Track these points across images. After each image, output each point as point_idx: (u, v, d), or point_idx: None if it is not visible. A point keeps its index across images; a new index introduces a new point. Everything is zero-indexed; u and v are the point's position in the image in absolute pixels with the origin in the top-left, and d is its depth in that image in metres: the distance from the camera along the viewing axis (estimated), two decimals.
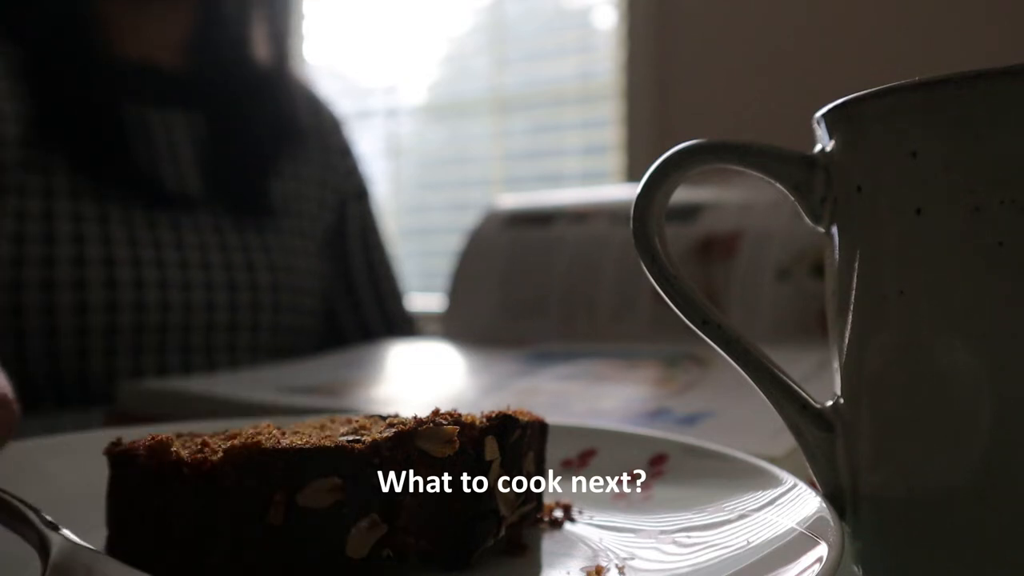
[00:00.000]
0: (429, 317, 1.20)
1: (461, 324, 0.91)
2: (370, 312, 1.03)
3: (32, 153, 0.78)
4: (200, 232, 0.84)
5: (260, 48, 0.94)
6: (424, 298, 2.71)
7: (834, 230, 0.27)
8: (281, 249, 0.90)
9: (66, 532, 0.24)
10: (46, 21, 0.82)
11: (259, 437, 0.27)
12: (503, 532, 0.29)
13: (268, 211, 0.90)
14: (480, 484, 0.28)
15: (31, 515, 0.24)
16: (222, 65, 0.91)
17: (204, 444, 0.27)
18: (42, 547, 0.23)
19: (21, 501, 0.25)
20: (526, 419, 0.31)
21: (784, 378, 0.28)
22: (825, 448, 0.28)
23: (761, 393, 0.29)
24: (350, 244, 1.03)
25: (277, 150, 0.93)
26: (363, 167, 1.08)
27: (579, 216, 0.91)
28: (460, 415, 0.29)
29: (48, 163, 0.78)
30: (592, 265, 0.84)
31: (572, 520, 0.33)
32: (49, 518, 0.24)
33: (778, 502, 0.29)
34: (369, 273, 1.04)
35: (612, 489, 0.35)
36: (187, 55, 0.91)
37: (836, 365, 0.27)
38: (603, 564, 0.28)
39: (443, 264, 3.08)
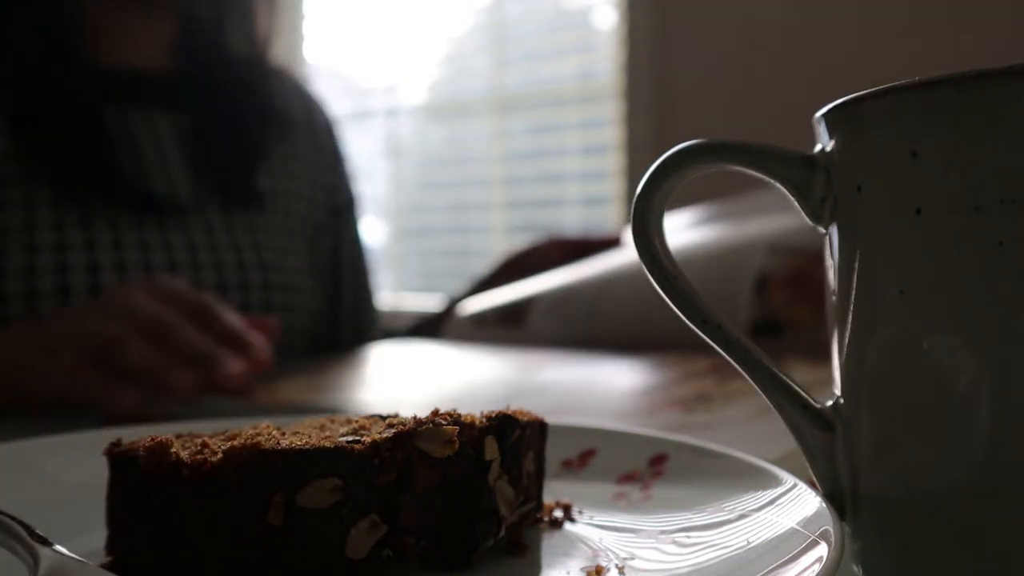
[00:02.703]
0: (429, 316, 1.19)
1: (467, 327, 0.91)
2: (346, 322, 1.03)
3: (8, 167, 0.78)
4: (189, 233, 0.84)
5: (242, 42, 0.94)
6: (424, 298, 2.72)
7: (834, 230, 0.27)
8: (271, 248, 0.90)
9: (58, 547, 0.24)
10: (29, 32, 0.82)
11: (259, 437, 0.27)
12: (503, 532, 0.29)
13: (257, 200, 0.89)
14: (480, 484, 0.28)
15: (21, 531, 0.24)
16: (205, 64, 0.91)
17: (204, 444, 0.27)
18: (34, 563, 0.23)
19: (11, 517, 0.25)
20: (526, 419, 0.31)
21: (784, 378, 0.28)
22: (825, 448, 0.28)
23: (761, 393, 0.29)
24: (343, 257, 1.03)
25: (263, 138, 0.93)
26: (354, 175, 1.08)
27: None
28: (460, 415, 0.29)
29: (27, 174, 0.78)
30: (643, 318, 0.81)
31: (572, 520, 0.33)
32: (40, 532, 0.24)
33: (778, 502, 0.29)
34: (354, 285, 1.04)
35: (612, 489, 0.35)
36: (170, 57, 0.91)
37: (836, 365, 0.27)
38: (603, 564, 0.28)
39: (443, 264, 3.07)
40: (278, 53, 1.02)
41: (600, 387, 0.62)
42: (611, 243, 1.01)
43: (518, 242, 2.58)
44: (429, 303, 2.56)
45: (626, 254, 0.88)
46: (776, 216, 0.78)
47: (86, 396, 0.58)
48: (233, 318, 0.63)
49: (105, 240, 0.79)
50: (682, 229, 0.90)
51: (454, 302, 1.02)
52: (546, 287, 0.86)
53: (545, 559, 0.30)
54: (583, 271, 0.87)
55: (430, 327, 0.99)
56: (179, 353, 0.59)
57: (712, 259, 0.77)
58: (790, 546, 0.26)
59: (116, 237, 0.79)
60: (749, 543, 0.27)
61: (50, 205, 0.78)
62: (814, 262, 0.68)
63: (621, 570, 0.27)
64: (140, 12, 0.88)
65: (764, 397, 0.29)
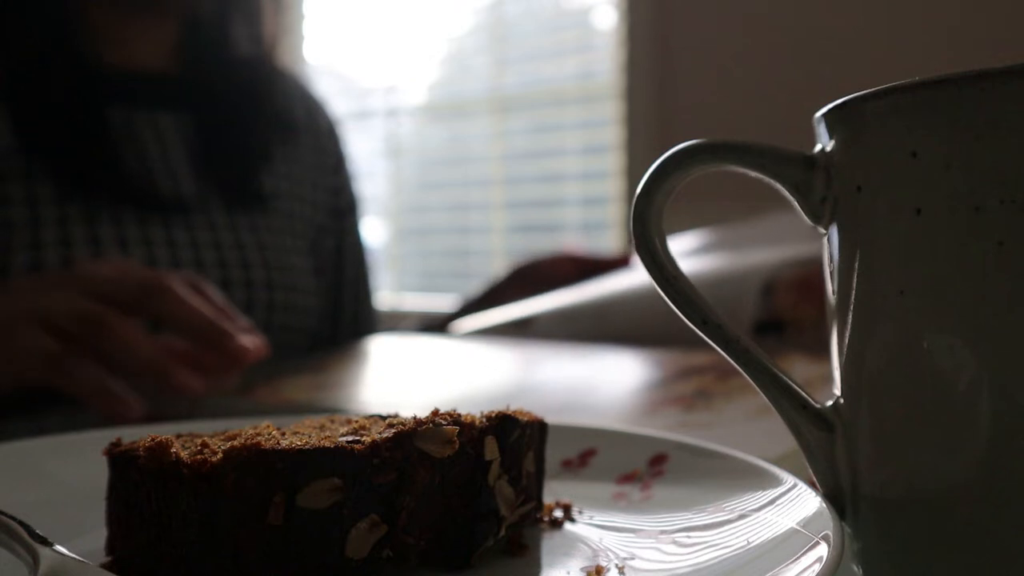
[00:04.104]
0: (440, 318, 1.20)
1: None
2: (346, 323, 1.03)
3: (12, 164, 0.78)
4: (193, 230, 0.84)
5: (247, 43, 0.94)
6: (424, 298, 2.72)
7: (834, 230, 0.27)
8: (275, 248, 0.90)
9: (58, 547, 0.24)
10: (32, 33, 0.82)
11: (259, 438, 0.27)
12: (503, 532, 0.29)
13: (260, 200, 0.90)
14: (480, 484, 0.28)
15: (21, 531, 0.24)
16: (209, 65, 0.91)
17: (204, 444, 0.27)
18: (34, 563, 0.23)
19: (11, 517, 0.25)
20: (526, 419, 0.31)
21: (784, 378, 0.28)
22: (825, 448, 0.28)
23: (761, 393, 0.29)
24: (346, 259, 1.03)
25: (267, 140, 0.93)
26: (356, 177, 1.09)
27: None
28: (460, 415, 0.29)
29: (31, 170, 0.78)
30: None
31: (572, 520, 0.33)
32: (40, 532, 0.24)
33: (778, 502, 0.29)
34: (355, 288, 1.05)
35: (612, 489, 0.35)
36: (174, 58, 0.91)
37: (836, 365, 0.27)
38: (603, 564, 0.28)
39: (443, 264, 3.07)
40: (281, 54, 1.02)
41: (601, 384, 0.62)
42: (621, 263, 1.02)
43: (518, 242, 2.58)
44: (429, 303, 2.56)
45: (634, 275, 0.88)
46: (783, 244, 0.79)
47: (78, 394, 0.56)
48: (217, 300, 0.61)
49: (109, 237, 0.79)
50: (688, 254, 0.91)
51: (467, 307, 1.02)
52: (551, 306, 0.87)
53: (545, 559, 0.30)
54: (589, 291, 0.87)
55: (438, 328, 0.99)
56: (194, 337, 0.56)
57: (720, 270, 0.77)
58: (790, 546, 0.26)
59: (120, 234, 0.79)
60: (749, 543, 0.27)
61: (54, 201, 0.78)
62: (820, 268, 0.68)
63: (621, 570, 0.27)
64: (144, 15, 0.89)
65: (764, 396, 0.29)
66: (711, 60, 2.01)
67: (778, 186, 0.28)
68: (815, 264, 0.72)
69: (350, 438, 0.27)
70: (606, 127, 2.35)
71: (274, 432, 0.29)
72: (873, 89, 0.24)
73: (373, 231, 2.85)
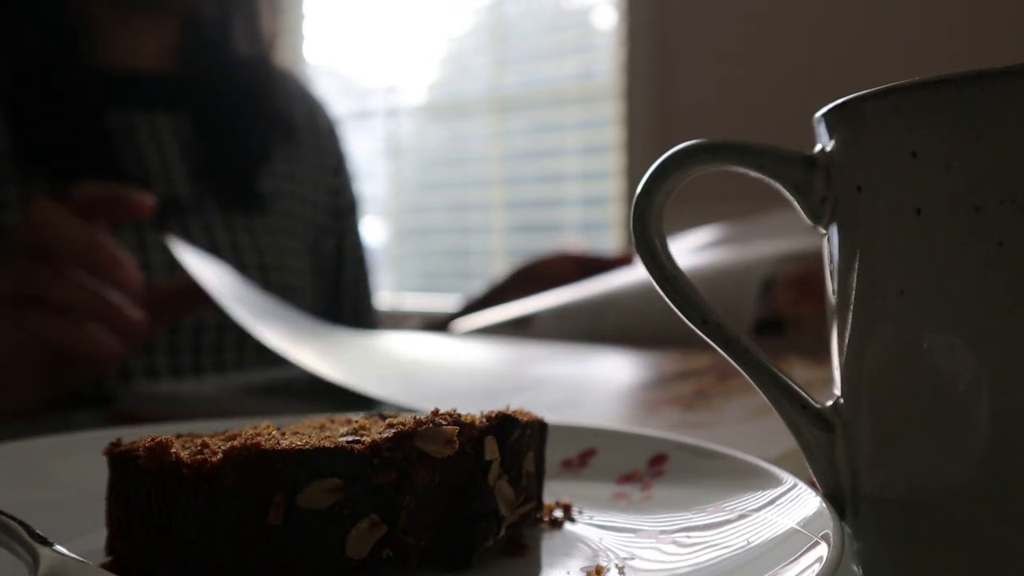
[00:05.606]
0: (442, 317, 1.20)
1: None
2: (346, 323, 1.04)
3: (8, 167, 0.78)
4: (188, 233, 0.84)
5: (245, 45, 0.94)
6: (424, 298, 2.72)
7: (834, 230, 0.27)
8: (272, 249, 0.90)
9: (58, 547, 0.24)
10: (32, 33, 0.82)
11: (259, 438, 0.27)
12: (503, 532, 0.29)
13: (258, 203, 0.90)
14: (480, 484, 0.28)
15: (21, 531, 0.24)
16: (208, 66, 0.91)
17: (204, 445, 0.27)
18: (34, 563, 0.23)
19: (11, 517, 0.25)
20: (526, 419, 0.31)
21: (784, 378, 0.28)
22: (825, 448, 0.28)
23: (761, 393, 0.29)
24: (346, 259, 1.04)
25: (267, 142, 0.93)
26: (356, 177, 1.09)
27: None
28: (460, 415, 0.29)
29: (27, 173, 0.78)
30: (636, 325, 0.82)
31: (572, 520, 0.33)
32: (40, 532, 0.24)
33: (778, 502, 0.29)
34: (355, 288, 1.05)
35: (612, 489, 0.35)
36: (172, 59, 0.91)
37: (836, 365, 0.27)
38: (603, 564, 0.28)
39: (443, 264, 3.07)
40: (280, 54, 1.03)
41: (600, 384, 0.62)
42: (622, 262, 1.02)
43: (518, 242, 2.58)
44: (429, 303, 2.56)
45: (633, 274, 0.88)
46: (785, 238, 0.79)
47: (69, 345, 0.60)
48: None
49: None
50: (690, 251, 0.91)
51: (468, 308, 1.02)
52: (550, 305, 0.87)
53: (545, 559, 0.30)
54: (588, 290, 0.87)
55: (439, 328, 1.00)
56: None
57: (721, 266, 0.77)
58: (790, 546, 0.26)
59: (115, 237, 0.79)
60: (749, 543, 0.27)
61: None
62: (819, 264, 0.68)
63: (621, 570, 0.27)
64: (143, 14, 0.89)
65: (764, 396, 0.29)
66: (711, 60, 2.01)
67: (778, 186, 0.28)
68: (814, 259, 0.72)
69: (350, 438, 0.27)
70: (606, 127, 2.35)
71: (274, 432, 0.29)
72: (873, 89, 0.24)
73: (373, 231, 2.85)
